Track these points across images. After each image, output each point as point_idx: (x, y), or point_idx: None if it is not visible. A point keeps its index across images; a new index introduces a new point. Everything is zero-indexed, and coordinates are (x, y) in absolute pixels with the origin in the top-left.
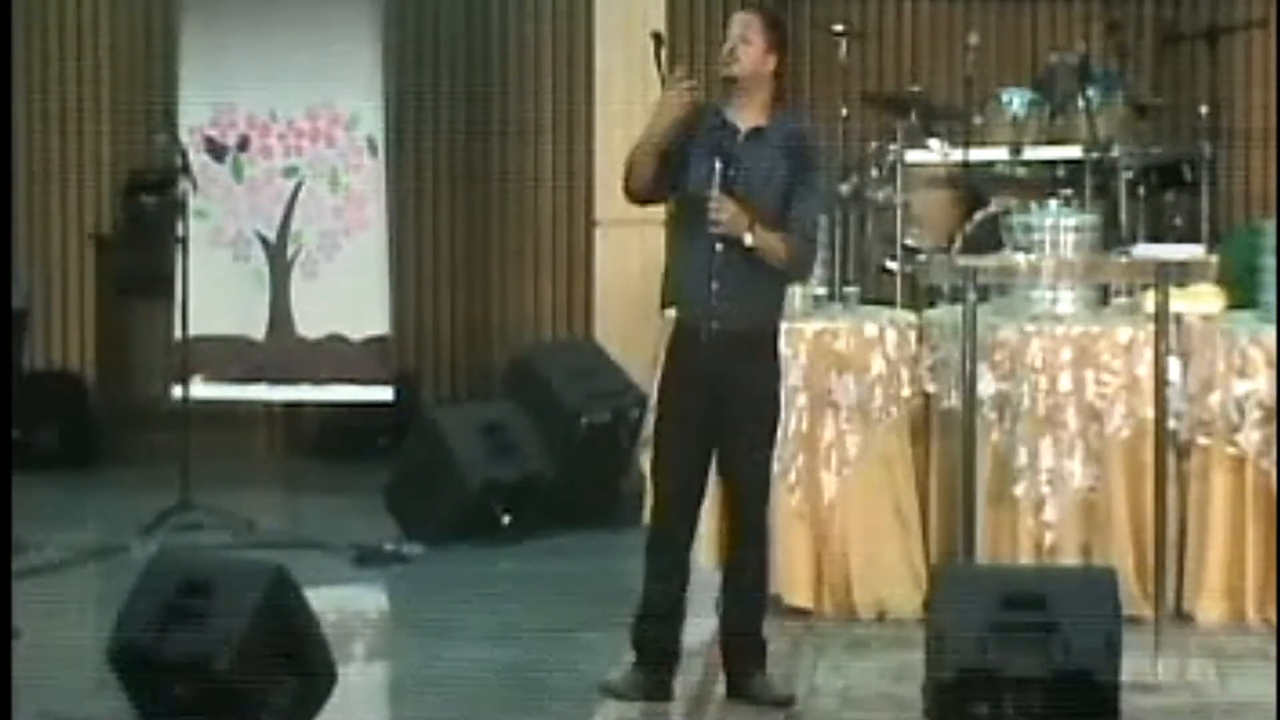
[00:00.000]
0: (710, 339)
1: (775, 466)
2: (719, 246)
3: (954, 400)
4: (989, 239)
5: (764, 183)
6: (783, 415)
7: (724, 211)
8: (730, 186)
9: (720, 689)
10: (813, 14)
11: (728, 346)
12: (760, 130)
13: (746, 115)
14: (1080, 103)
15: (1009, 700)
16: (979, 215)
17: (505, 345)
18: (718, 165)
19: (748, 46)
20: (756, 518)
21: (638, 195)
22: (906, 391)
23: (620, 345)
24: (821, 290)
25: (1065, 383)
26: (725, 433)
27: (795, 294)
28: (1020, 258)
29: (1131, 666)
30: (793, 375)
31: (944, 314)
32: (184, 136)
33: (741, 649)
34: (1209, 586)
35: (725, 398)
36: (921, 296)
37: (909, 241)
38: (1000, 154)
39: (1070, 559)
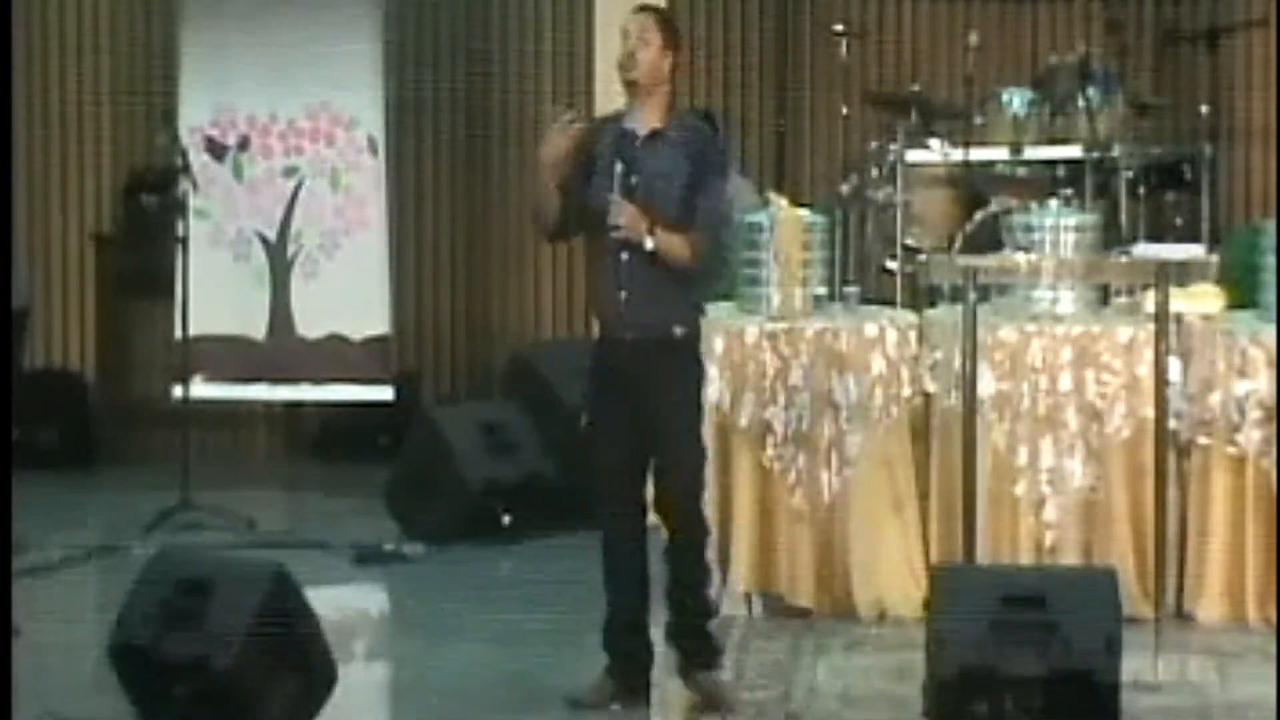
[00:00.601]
0: (624, 347)
1: (773, 462)
2: (624, 255)
3: (954, 400)
4: (989, 239)
5: (666, 184)
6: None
7: (622, 214)
8: (631, 191)
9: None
10: (813, 14)
11: (643, 353)
12: (659, 132)
13: (646, 118)
14: (1080, 103)
15: (1009, 700)
16: (979, 215)
17: (505, 345)
18: (618, 169)
19: (645, 48)
20: (690, 514)
21: (550, 236)
22: (906, 391)
23: None
24: (821, 290)
25: (1065, 383)
26: (651, 438)
27: (796, 294)
28: (1020, 258)
29: (1131, 666)
30: (793, 375)
31: (944, 314)
32: (184, 136)
33: (687, 644)
34: (1209, 586)
35: (645, 404)
36: (921, 296)
37: (909, 241)
38: (1000, 154)
39: (1070, 559)
